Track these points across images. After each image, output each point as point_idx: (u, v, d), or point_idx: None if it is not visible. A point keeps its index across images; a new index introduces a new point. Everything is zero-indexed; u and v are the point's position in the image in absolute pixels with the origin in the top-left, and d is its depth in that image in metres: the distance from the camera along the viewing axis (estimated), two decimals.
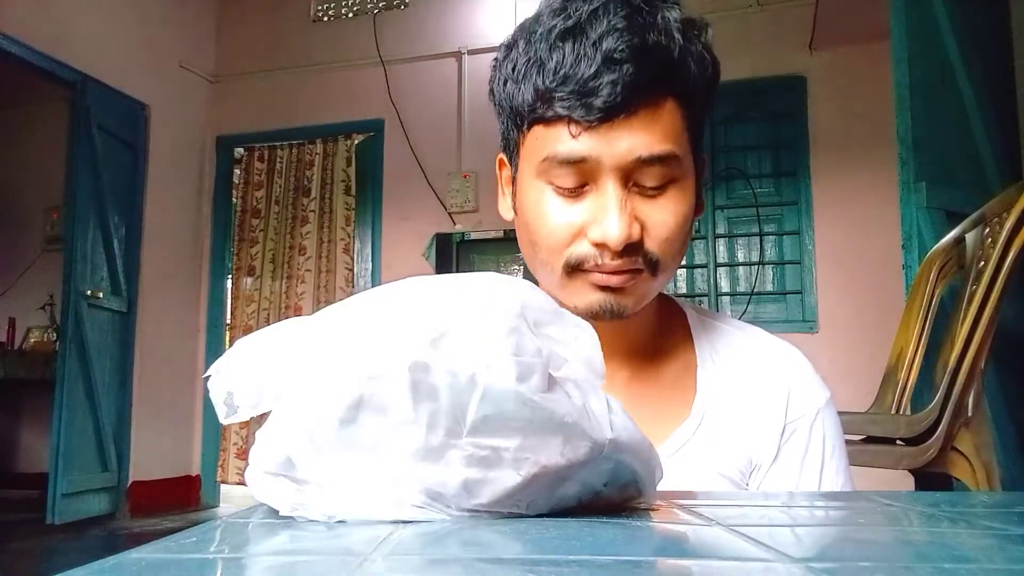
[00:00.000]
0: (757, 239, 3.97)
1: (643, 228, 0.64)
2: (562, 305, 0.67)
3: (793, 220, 3.93)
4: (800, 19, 3.83)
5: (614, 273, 0.65)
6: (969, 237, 1.70)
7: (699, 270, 4.04)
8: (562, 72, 0.62)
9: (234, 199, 4.90)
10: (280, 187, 4.73)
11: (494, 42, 0.61)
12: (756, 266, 3.96)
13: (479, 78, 4.35)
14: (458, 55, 4.51)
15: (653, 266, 0.65)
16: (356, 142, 4.66)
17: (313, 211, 4.63)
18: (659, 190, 0.65)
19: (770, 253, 3.98)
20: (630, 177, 0.64)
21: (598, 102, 0.61)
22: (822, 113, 3.88)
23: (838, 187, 3.83)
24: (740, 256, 4.02)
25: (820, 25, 3.66)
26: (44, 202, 5.46)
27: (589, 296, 0.66)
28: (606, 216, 0.63)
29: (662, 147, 0.63)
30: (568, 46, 0.62)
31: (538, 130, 0.66)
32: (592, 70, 0.60)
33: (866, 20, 3.36)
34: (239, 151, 4.95)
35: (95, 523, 3.91)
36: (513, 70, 0.67)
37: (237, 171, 4.97)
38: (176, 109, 4.66)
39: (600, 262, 0.64)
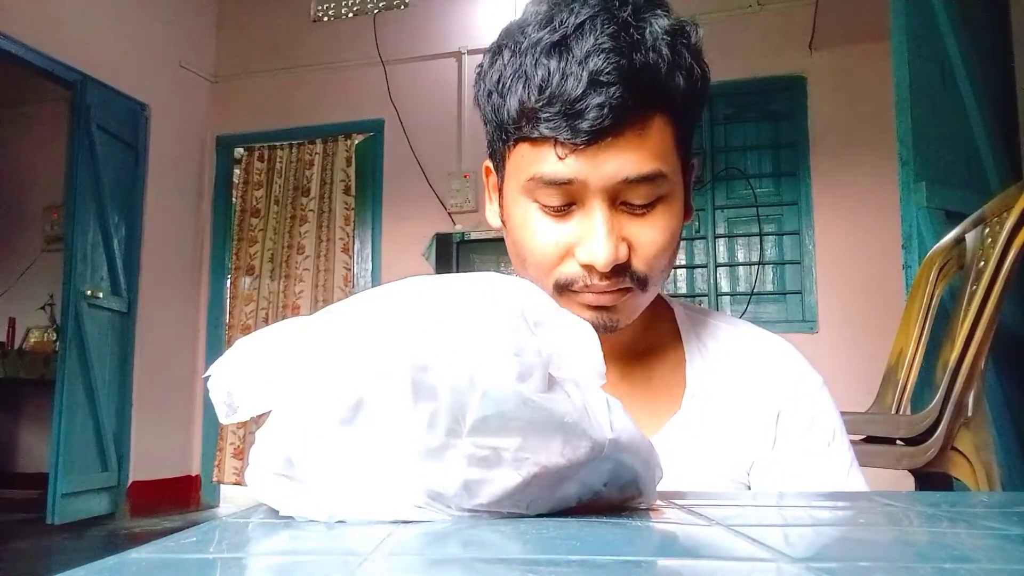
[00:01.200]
0: (757, 239, 3.97)
1: (630, 247, 0.64)
2: None
3: (793, 220, 3.93)
4: (800, 19, 3.83)
5: (604, 293, 0.65)
6: (969, 237, 1.70)
7: (699, 270, 4.04)
8: (548, 91, 0.61)
9: (234, 199, 4.91)
10: (280, 187, 4.73)
11: (483, 54, 0.61)
12: (756, 266, 3.96)
13: None
14: (458, 55, 4.51)
15: (642, 283, 0.66)
16: (356, 142, 4.66)
17: (312, 210, 4.63)
18: (647, 208, 0.64)
19: (770, 253, 3.98)
20: (617, 197, 0.63)
21: (585, 124, 0.60)
22: (822, 113, 3.88)
23: (838, 187, 3.83)
24: (740, 256, 4.02)
25: (820, 25, 3.66)
26: (44, 202, 5.46)
27: (581, 315, 0.65)
28: (593, 238, 0.62)
29: (650, 167, 0.62)
30: (553, 63, 0.61)
31: (523, 148, 0.65)
32: (579, 91, 0.59)
33: (866, 20, 3.36)
34: (239, 151, 4.95)
35: (95, 523, 3.91)
36: (498, 82, 0.66)
37: (237, 171, 4.96)
38: (176, 109, 4.66)
39: (589, 283, 0.64)
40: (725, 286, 4.02)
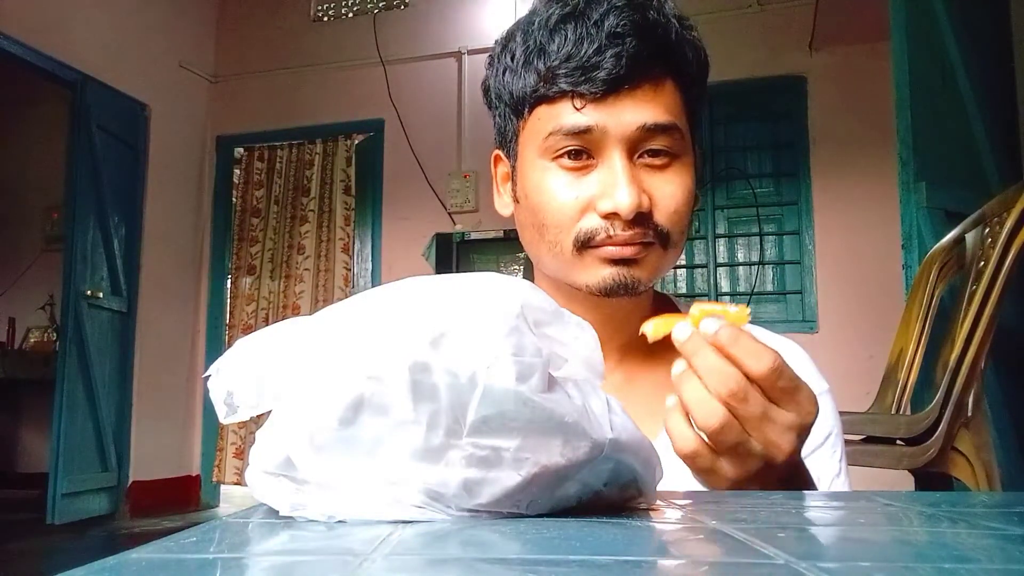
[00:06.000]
0: (757, 239, 3.97)
1: (651, 200, 0.65)
2: (573, 286, 0.67)
3: (793, 220, 3.93)
4: (800, 19, 3.83)
5: (627, 244, 0.65)
6: (969, 237, 1.70)
7: (699, 270, 4.04)
8: (564, 51, 0.63)
9: (234, 199, 4.91)
10: (280, 187, 4.73)
11: (494, 42, 0.62)
12: (756, 266, 3.96)
13: (479, 78, 4.31)
14: (458, 55, 4.51)
15: (663, 239, 0.66)
16: (356, 142, 4.66)
17: (312, 210, 4.63)
18: (664, 164, 0.66)
19: (770, 253, 3.98)
20: (636, 149, 0.64)
21: (602, 74, 0.62)
22: (822, 113, 3.88)
23: (838, 187, 3.83)
24: (740, 256, 4.02)
25: (820, 25, 3.66)
26: (44, 202, 5.46)
27: (601, 271, 0.66)
28: (615, 188, 0.63)
29: (666, 118, 0.64)
30: (570, 28, 0.63)
31: (541, 110, 0.66)
32: (594, 47, 0.62)
33: (866, 20, 3.36)
34: (239, 151, 4.95)
35: (95, 523, 3.91)
36: (512, 60, 0.68)
37: (237, 171, 4.97)
38: (176, 109, 4.66)
39: (612, 233, 0.64)
40: (725, 286, 4.01)
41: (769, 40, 3.97)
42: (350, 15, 4.78)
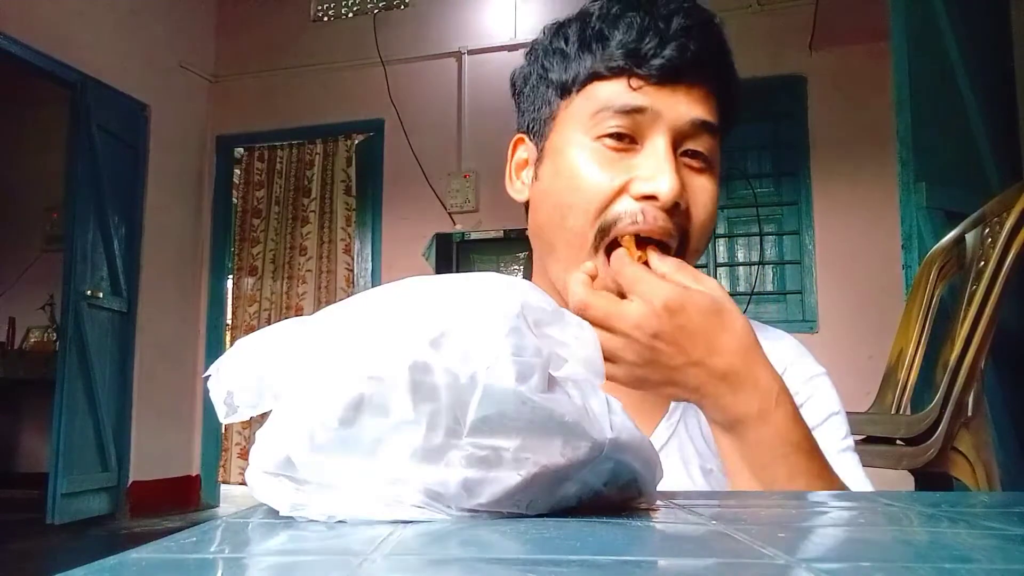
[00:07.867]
0: (757, 239, 3.97)
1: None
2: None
3: (793, 220, 3.93)
4: (800, 19, 3.83)
5: (648, 242, 0.63)
6: (969, 237, 1.70)
7: (699, 270, 4.04)
8: (627, 38, 0.64)
9: (234, 199, 4.90)
10: (280, 187, 4.73)
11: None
12: (756, 266, 3.96)
13: (479, 78, 4.35)
14: (458, 55, 4.51)
15: (683, 245, 0.65)
16: (356, 142, 4.66)
17: (313, 211, 4.63)
18: (700, 167, 0.66)
19: (770, 253, 3.98)
20: (680, 143, 0.64)
21: (662, 61, 0.63)
22: (822, 113, 3.88)
23: (838, 187, 3.83)
24: (740, 256, 4.02)
25: (820, 25, 3.66)
26: (44, 202, 5.46)
27: None
28: (658, 172, 0.62)
29: (715, 119, 0.65)
30: (635, 19, 0.64)
31: (592, 88, 0.65)
32: (657, 39, 0.63)
33: (866, 20, 3.36)
34: (239, 151, 4.95)
35: (95, 523, 3.91)
36: (566, 43, 0.67)
37: (237, 171, 4.96)
38: (176, 109, 4.66)
39: (639, 219, 0.62)
40: (725, 286, 4.00)
41: (769, 40, 3.97)
42: (350, 15, 4.78)
